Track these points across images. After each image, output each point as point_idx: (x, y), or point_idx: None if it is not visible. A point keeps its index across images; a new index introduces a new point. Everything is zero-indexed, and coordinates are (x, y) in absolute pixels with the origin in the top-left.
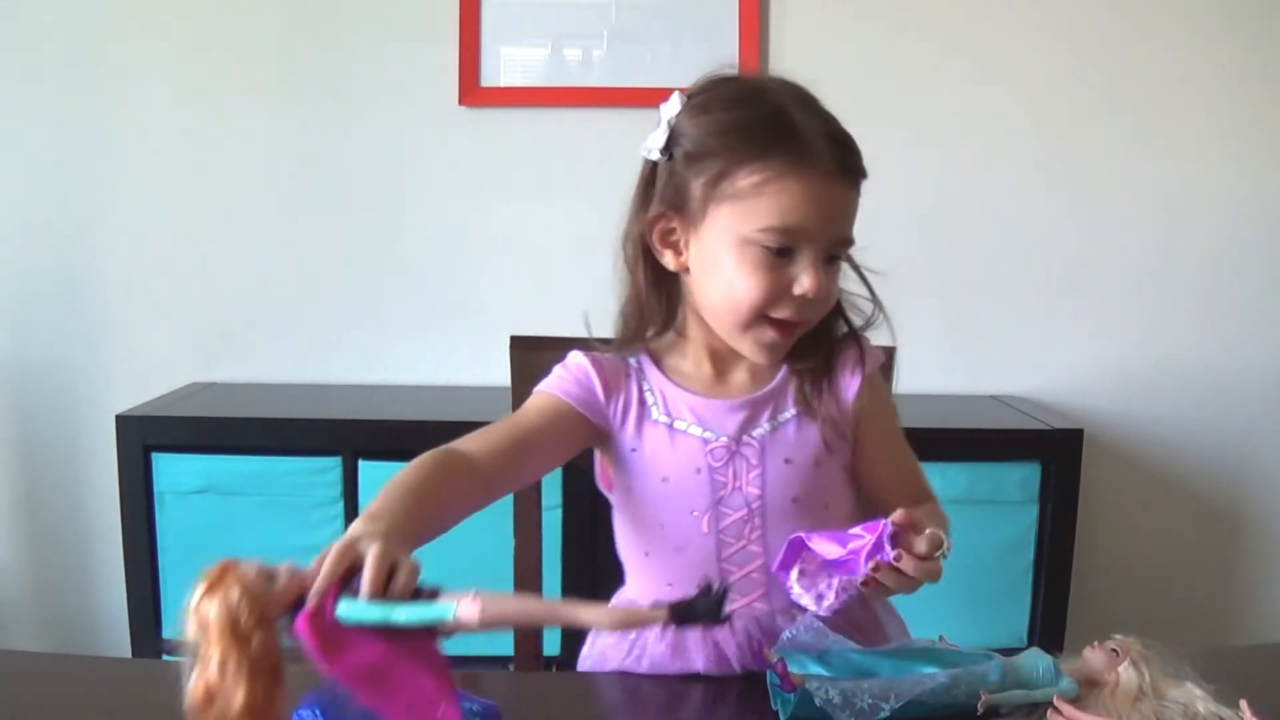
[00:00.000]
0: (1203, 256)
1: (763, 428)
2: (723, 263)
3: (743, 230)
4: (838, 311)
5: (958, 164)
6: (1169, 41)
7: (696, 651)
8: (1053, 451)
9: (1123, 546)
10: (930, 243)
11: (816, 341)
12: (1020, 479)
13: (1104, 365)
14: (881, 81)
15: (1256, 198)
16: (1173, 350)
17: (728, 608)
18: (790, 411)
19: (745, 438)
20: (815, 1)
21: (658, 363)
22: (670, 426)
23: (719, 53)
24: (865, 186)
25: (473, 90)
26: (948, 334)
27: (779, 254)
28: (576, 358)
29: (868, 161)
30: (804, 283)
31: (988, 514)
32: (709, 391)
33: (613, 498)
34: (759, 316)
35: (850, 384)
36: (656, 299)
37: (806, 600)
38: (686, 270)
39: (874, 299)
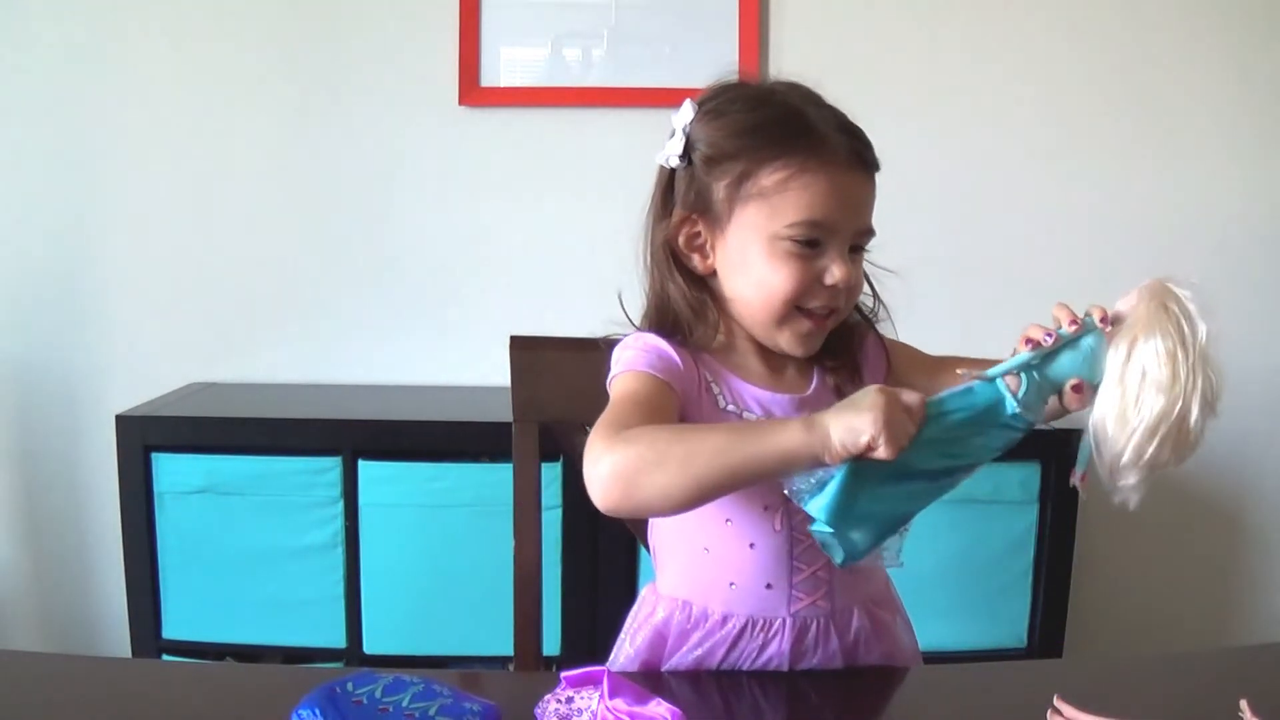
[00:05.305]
0: (1203, 257)
1: None
2: (753, 260)
3: (771, 227)
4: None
5: (957, 163)
6: (1170, 43)
7: (750, 648)
8: (1053, 451)
9: (1122, 546)
10: (930, 242)
11: (841, 339)
12: (1020, 479)
13: None
14: (881, 81)
15: (1257, 199)
16: None
17: (792, 607)
18: None
19: None
20: (815, 1)
21: (713, 359)
22: (739, 416)
23: (719, 52)
24: None
25: (473, 90)
26: (947, 334)
27: (808, 246)
28: (648, 337)
29: None
30: (834, 273)
31: (987, 514)
32: (769, 385)
33: None
34: (792, 309)
35: (875, 377)
36: (697, 303)
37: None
38: (713, 273)
39: (873, 292)
